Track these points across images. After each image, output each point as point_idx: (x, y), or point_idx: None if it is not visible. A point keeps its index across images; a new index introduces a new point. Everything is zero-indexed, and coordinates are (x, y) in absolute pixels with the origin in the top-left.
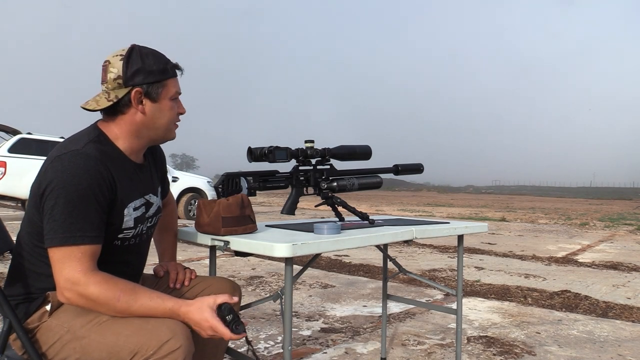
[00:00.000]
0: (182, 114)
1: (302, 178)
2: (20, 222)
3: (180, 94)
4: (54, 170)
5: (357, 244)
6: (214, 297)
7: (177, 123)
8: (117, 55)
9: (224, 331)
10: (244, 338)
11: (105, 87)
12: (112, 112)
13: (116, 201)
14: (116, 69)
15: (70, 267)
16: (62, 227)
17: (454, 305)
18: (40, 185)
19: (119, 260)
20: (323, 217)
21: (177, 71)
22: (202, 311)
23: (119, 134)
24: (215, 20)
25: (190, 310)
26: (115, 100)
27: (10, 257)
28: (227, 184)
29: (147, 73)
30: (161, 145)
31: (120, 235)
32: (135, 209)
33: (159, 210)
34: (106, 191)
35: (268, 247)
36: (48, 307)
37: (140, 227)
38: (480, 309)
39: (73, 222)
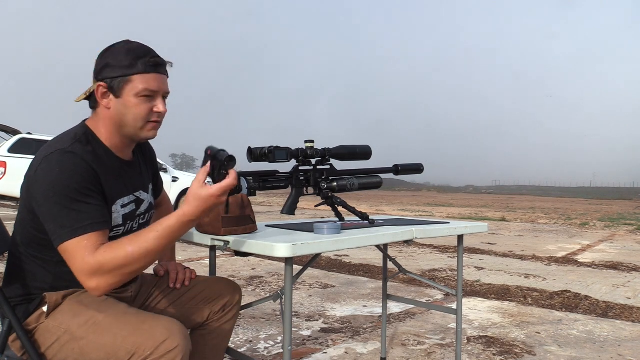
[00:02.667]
0: (158, 113)
1: (302, 178)
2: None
3: (155, 92)
4: (43, 171)
5: (357, 244)
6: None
7: (153, 121)
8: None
9: (227, 183)
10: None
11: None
12: (90, 106)
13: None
14: (95, 63)
15: (80, 258)
16: (61, 225)
17: (454, 305)
18: (30, 187)
19: None
20: (323, 217)
21: (156, 68)
22: (198, 198)
23: (101, 129)
24: (216, 20)
25: (192, 206)
26: (88, 94)
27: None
28: None
29: (112, 67)
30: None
31: (110, 234)
32: (123, 206)
33: (150, 207)
34: (96, 184)
35: (268, 247)
36: (45, 309)
37: (130, 224)
38: (480, 309)
39: (72, 217)
